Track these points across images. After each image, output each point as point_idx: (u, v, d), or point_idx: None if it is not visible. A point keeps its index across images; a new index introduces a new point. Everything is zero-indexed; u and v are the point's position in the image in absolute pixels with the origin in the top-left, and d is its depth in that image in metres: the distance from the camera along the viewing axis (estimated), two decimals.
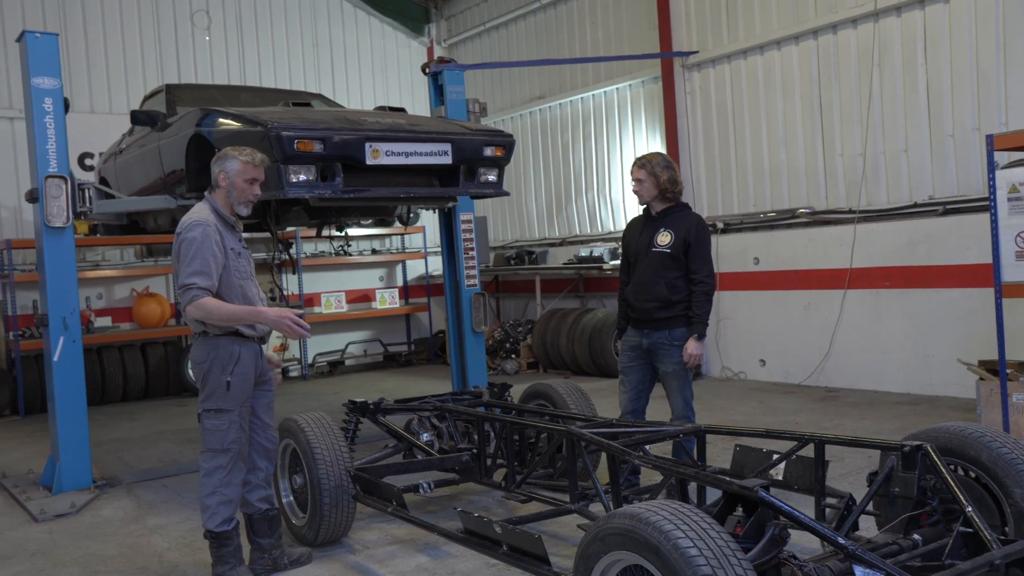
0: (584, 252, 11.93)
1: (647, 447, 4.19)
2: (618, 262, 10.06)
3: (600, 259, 11.52)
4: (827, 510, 3.55)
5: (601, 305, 12.18)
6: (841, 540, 2.86)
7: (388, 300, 13.57)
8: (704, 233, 5.25)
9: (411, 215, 8.50)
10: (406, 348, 14.20)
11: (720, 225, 10.35)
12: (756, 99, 10.13)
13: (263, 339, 4.57)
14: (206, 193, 4.54)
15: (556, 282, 12.85)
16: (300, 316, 4.37)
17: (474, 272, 8.02)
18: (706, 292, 5.15)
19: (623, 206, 12.08)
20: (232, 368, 4.34)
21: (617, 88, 12.12)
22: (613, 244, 11.79)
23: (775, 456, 3.88)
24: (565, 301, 12.72)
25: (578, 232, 12.89)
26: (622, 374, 5.42)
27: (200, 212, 4.41)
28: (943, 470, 3.19)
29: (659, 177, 5.21)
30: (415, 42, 14.99)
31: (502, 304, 14.27)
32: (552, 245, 13.25)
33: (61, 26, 11.65)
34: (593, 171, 12.57)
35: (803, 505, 3.33)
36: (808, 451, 3.74)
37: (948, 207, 8.38)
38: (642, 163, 5.24)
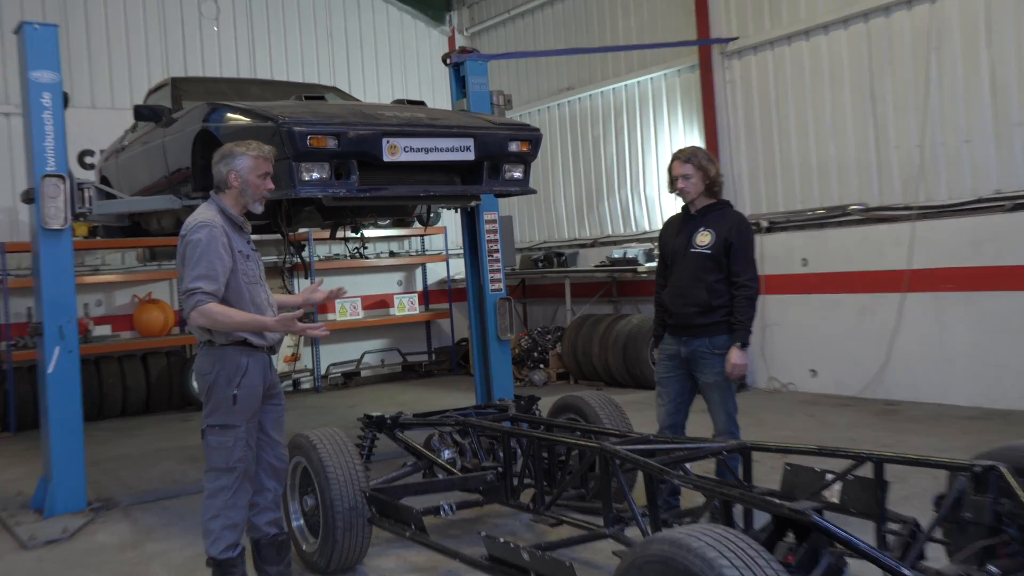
0: (617, 253, 11.88)
1: (687, 465, 4.15)
2: (654, 264, 9.98)
3: (634, 261, 11.46)
4: (889, 537, 3.47)
5: (636, 310, 12.11)
6: (906, 571, 2.78)
7: (407, 306, 13.57)
8: (747, 233, 5.20)
9: (431, 215, 8.51)
10: (426, 358, 14.19)
11: (764, 224, 10.25)
12: (802, 88, 10.02)
13: (273, 349, 4.55)
14: (212, 193, 4.54)
15: (587, 286, 12.79)
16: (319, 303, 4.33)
17: (499, 276, 8.00)
18: (749, 296, 5.10)
19: (659, 204, 12.01)
20: (239, 380, 4.32)
21: (651, 78, 12.05)
22: (648, 245, 11.73)
23: (829, 476, 3.81)
24: (597, 306, 12.65)
25: (611, 232, 12.83)
26: (659, 385, 5.38)
27: (206, 213, 4.41)
28: (1020, 493, 3.10)
29: (708, 171, 5.16)
30: (435, 31, 15.01)
31: (529, 310, 14.22)
32: (583, 246, 13.19)
33: (61, 16, 11.75)
34: (626, 166, 12.50)
35: (862, 531, 3.24)
36: (866, 471, 3.66)
37: (1017, 202, 8.23)
38: (687, 157, 5.19)
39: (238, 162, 4.42)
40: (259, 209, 4.52)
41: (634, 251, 11.66)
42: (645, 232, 12.21)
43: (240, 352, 4.34)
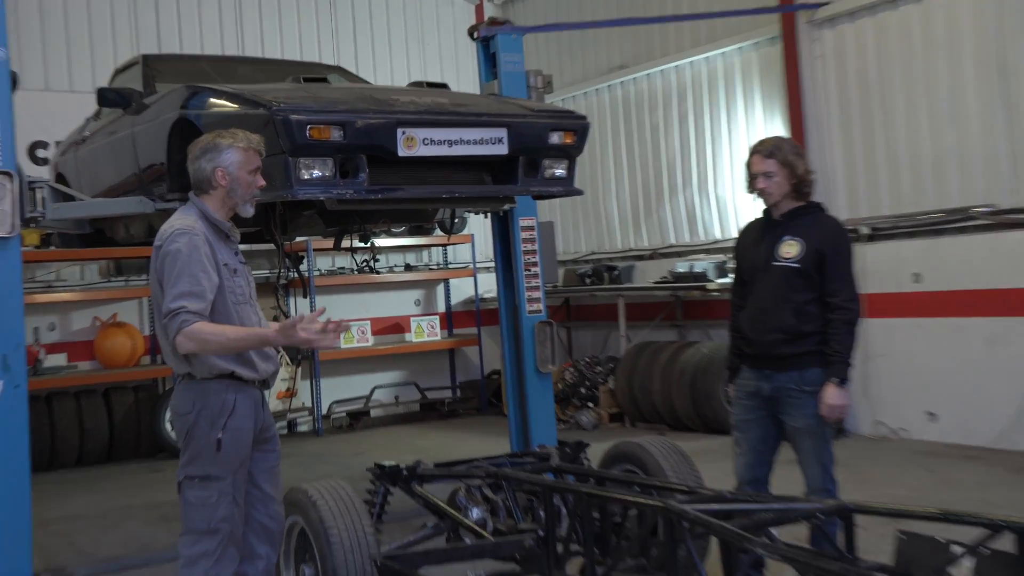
0: (682, 267, 11.85)
1: (773, 530, 4.10)
2: (728, 280, 9.91)
3: (703, 276, 11.42)
4: None
5: (706, 337, 12.06)
6: None
7: (426, 331, 13.61)
8: (844, 242, 5.19)
9: (456, 221, 8.53)
10: (450, 394, 14.23)
11: (865, 231, 10.19)
12: (911, 62, 9.95)
13: (266, 383, 4.58)
14: (191, 195, 4.58)
15: (646, 306, 12.77)
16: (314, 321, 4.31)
17: (538, 294, 8.01)
18: (848, 321, 5.07)
19: (733, 207, 11.97)
20: (225, 421, 4.35)
21: (723, 53, 12.04)
22: (721, 257, 11.69)
23: (957, 549, 3.74)
24: (658, 332, 12.62)
25: (674, 241, 12.82)
26: (736, 431, 5.36)
27: (184, 218, 4.46)
28: None
29: (795, 167, 5.14)
30: None
31: (575, 336, 14.22)
32: (640, 258, 13.19)
33: None
34: (692, 161, 12.48)
35: None
36: (1006, 543, 3.59)
37: None
38: (769, 151, 5.17)
39: (226, 156, 4.46)
40: (250, 212, 4.56)
41: (703, 264, 11.61)
42: (716, 241, 12.17)
43: (226, 387, 4.37)
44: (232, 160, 4.46)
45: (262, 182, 4.59)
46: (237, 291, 4.47)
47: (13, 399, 6.55)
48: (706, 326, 12.22)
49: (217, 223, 4.49)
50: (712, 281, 11.30)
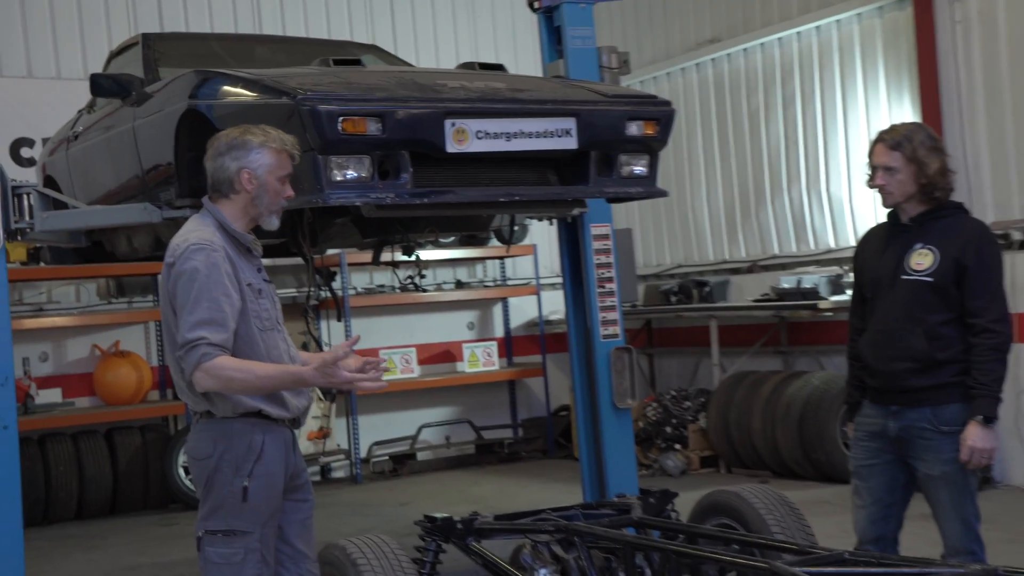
0: (787, 282, 11.78)
1: None
2: (845, 298, 9.83)
3: (814, 293, 11.35)
4: None
5: (818, 366, 11.99)
6: None
7: (482, 359, 13.65)
8: (990, 250, 5.15)
9: (515, 229, 8.54)
10: (510, 434, 14.25)
11: (1017, 236, 10.06)
12: None
13: (297, 422, 4.61)
14: (206, 200, 4.62)
15: (743, 330, 12.72)
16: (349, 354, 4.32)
17: (614, 315, 7.98)
18: (995, 347, 5.03)
19: (849, 208, 11.87)
20: (252, 467, 4.39)
21: (838, 21, 11.96)
22: (836, 269, 11.62)
23: None
24: (758, 359, 12.57)
25: (776, 251, 12.76)
26: (856, 478, 5.34)
27: (200, 230, 4.50)
28: None
29: (925, 165, 5.09)
30: None
31: (658, 365, 14.21)
32: (735, 272, 13.17)
33: None
34: (800, 154, 12.41)
35: None
36: None
37: None
38: (896, 141, 5.14)
39: (255, 156, 4.50)
40: (275, 224, 4.60)
41: (813, 279, 11.55)
42: (830, 251, 12.08)
43: (253, 427, 4.41)
44: (262, 162, 4.50)
45: (291, 192, 4.62)
46: (263, 315, 4.51)
47: (1, 442, 6.65)
48: (817, 353, 12.16)
49: (237, 235, 4.53)
50: (825, 299, 11.23)
